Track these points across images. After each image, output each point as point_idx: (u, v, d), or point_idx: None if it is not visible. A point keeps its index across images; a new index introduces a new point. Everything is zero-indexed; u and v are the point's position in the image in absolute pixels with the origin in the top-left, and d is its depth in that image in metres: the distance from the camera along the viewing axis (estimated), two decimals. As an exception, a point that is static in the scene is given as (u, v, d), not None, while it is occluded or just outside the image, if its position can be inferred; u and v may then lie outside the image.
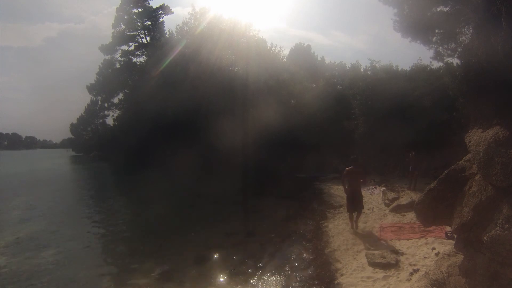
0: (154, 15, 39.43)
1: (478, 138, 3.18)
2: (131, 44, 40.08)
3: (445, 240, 5.84)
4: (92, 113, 48.63)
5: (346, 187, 7.57)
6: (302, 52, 36.64)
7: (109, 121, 44.17)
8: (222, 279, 5.49)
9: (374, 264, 5.22)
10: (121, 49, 40.19)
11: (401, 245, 6.05)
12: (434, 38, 12.07)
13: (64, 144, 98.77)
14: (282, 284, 5.23)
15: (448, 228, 5.12)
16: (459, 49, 10.97)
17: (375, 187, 12.46)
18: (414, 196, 9.71)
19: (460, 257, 3.69)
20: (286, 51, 33.60)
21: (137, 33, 39.66)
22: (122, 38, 39.18)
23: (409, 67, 17.68)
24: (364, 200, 10.66)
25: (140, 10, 38.98)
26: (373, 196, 11.37)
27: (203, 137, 22.03)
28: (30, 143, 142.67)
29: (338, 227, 7.96)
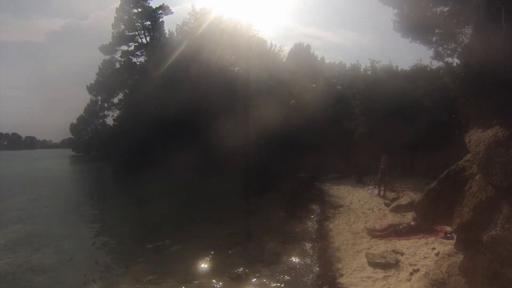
0: (153, 15, 39.45)
1: (478, 138, 3.18)
2: (131, 44, 40.09)
3: (445, 240, 5.84)
4: (92, 113, 48.64)
5: None
6: (301, 52, 36.63)
7: (109, 121, 44.22)
8: (223, 280, 5.47)
9: (374, 264, 5.22)
10: (121, 49, 40.23)
11: (401, 245, 6.04)
12: (434, 38, 12.06)
13: (64, 144, 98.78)
14: (282, 284, 5.22)
15: (448, 228, 5.12)
16: (459, 49, 10.96)
17: (375, 187, 12.43)
18: (414, 196, 9.71)
19: (460, 257, 3.69)
20: (286, 51, 33.64)
21: (137, 33, 39.67)
22: (122, 38, 39.20)
23: (409, 67, 17.71)
24: (364, 200, 10.74)
25: (139, 10, 38.99)
26: (373, 196, 11.36)
27: (204, 137, 22.03)
28: (30, 143, 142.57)
29: (338, 227, 7.96)
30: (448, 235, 5.88)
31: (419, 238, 6.20)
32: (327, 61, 36.37)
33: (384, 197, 11.01)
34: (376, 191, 11.89)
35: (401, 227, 6.74)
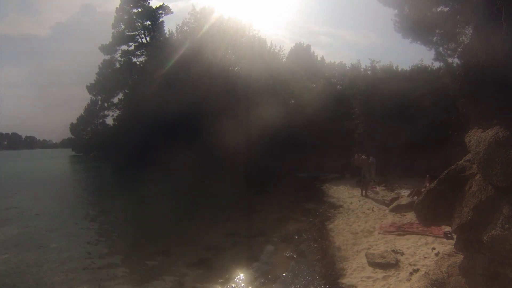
0: (154, 15, 39.46)
1: (478, 138, 3.18)
2: (131, 44, 40.13)
3: (445, 240, 5.84)
4: (92, 113, 48.58)
5: None
6: (302, 52, 36.66)
7: (109, 121, 44.23)
8: (222, 280, 5.46)
9: (374, 264, 5.22)
10: (121, 49, 40.27)
11: (401, 245, 6.04)
12: (435, 38, 12.08)
13: (64, 144, 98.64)
14: (283, 285, 5.22)
15: (448, 228, 5.12)
16: (459, 49, 10.97)
17: (375, 187, 12.44)
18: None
19: (460, 257, 3.69)
20: (286, 51, 33.68)
21: (137, 33, 39.69)
22: (122, 38, 39.21)
23: (409, 67, 17.71)
24: (364, 200, 10.75)
25: (140, 10, 39.01)
26: (373, 196, 11.35)
27: (204, 137, 22.04)
28: (30, 143, 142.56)
29: (338, 227, 7.96)
30: (448, 235, 5.88)
31: (425, 234, 6.22)
32: (327, 61, 36.47)
33: (366, 196, 11.19)
34: (376, 190, 11.92)
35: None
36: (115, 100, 41.91)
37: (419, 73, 16.20)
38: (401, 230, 6.67)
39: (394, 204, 9.15)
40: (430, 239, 6.08)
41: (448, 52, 12.36)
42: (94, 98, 46.73)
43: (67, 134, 60.05)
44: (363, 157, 12.12)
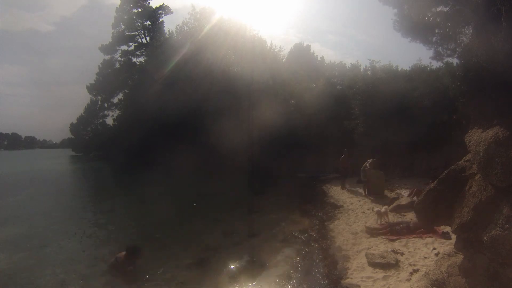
0: (153, 15, 39.55)
1: (478, 138, 3.18)
2: (131, 44, 40.23)
3: (445, 240, 5.85)
4: (92, 113, 48.55)
5: None
6: (301, 52, 36.65)
7: (109, 121, 44.28)
8: (223, 281, 5.46)
9: (374, 264, 5.22)
10: (121, 49, 40.36)
11: (401, 245, 6.04)
12: (434, 38, 12.10)
13: (64, 144, 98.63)
14: (282, 285, 5.22)
15: (448, 228, 5.12)
16: (459, 49, 10.98)
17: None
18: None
19: (460, 257, 3.69)
20: (286, 51, 33.69)
21: (137, 33, 39.76)
22: (122, 38, 39.30)
23: (409, 67, 17.71)
24: (364, 201, 10.75)
25: (140, 10, 39.09)
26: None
27: (205, 137, 22.05)
28: (30, 143, 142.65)
29: (338, 227, 7.96)
30: (447, 235, 5.88)
31: (418, 237, 6.20)
32: (333, 60, 36.50)
33: (368, 196, 11.19)
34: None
35: (398, 227, 6.74)
36: (115, 100, 42.02)
37: (419, 73, 16.19)
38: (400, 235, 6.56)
39: (394, 204, 9.14)
40: (430, 239, 6.08)
41: (448, 52, 12.38)
42: (94, 98, 46.76)
43: (67, 134, 59.88)
44: (342, 156, 13.56)
